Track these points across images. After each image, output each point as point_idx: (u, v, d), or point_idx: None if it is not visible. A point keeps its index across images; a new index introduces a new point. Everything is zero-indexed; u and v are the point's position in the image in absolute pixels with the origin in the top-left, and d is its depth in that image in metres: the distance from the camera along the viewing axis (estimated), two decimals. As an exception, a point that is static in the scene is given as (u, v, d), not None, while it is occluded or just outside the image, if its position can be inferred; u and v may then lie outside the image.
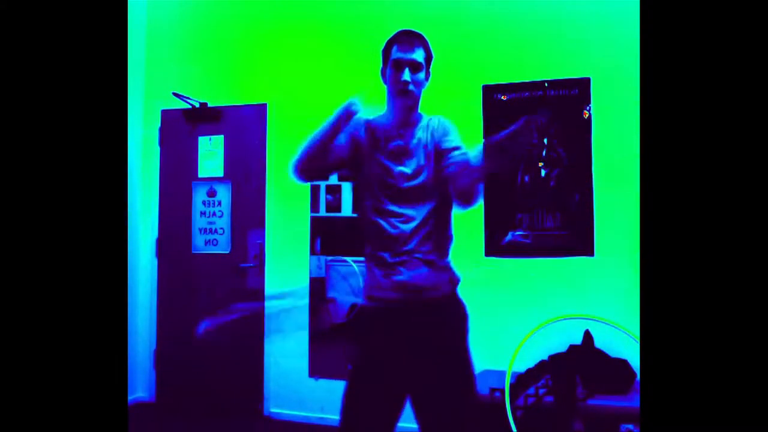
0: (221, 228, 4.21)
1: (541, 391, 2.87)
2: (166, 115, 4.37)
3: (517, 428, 2.33)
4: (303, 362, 3.95)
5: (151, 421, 3.96)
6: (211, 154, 4.26)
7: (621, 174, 3.38)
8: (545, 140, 3.54)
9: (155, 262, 4.34)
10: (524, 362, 3.06)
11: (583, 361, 3.10)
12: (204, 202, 4.26)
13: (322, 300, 3.98)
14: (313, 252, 3.99)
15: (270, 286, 4.03)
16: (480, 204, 3.60)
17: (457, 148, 1.83)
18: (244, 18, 4.27)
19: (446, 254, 1.91)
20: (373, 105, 1.93)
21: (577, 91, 3.51)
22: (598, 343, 3.21)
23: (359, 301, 3.76)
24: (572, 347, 3.21)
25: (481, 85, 3.68)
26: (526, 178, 3.57)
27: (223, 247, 4.20)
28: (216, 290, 4.16)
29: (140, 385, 4.29)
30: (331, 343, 3.94)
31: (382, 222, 1.86)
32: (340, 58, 3.99)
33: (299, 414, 3.92)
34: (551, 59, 3.59)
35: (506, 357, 2.75)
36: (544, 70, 3.58)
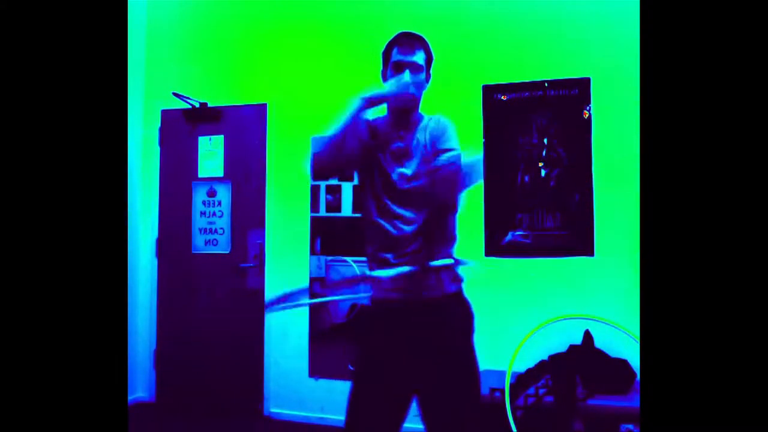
0: (221, 228, 4.21)
1: (541, 391, 2.87)
2: (166, 115, 4.36)
3: (517, 428, 2.33)
4: (303, 362, 3.95)
5: (151, 421, 3.96)
6: (211, 154, 4.26)
7: (621, 174, 3.38)
8: (545, 140, 3.54)
9: (155, 262, 4.34)
10: (524, 362, 3.06)
11: (583, 361, 3.10)
12: (204, 202, 4.26)
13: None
14: (313, 252, 3.99)
15: (270, 286, 4.03)
16: (480, 204, 3.61)
17: (449, 150, 1.80)
18: (244, 18, 4.27)
19: (449, 255, 1.91)
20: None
21: (577, 91, 3.51)
22: (598, 343, 3.21)
23: (359, 301, 3.77)
24: (572, 347, 3.21)
25: (481, 85, 3.68)
26: (526, 178, 3.57)
27: (223, 247, 4.20)
28: (216, 290, 4.16)
29: (140, 385, 4.29)
30: (331, 343, 3.94)
31: (385, 223, 1.86)
32: (340, 58, 3.99)
33: (299, 414, 3.92)
34: (551, 59, 3.59)
35: (506, 357, 2.75)
36: (544, 70, 3.58)
